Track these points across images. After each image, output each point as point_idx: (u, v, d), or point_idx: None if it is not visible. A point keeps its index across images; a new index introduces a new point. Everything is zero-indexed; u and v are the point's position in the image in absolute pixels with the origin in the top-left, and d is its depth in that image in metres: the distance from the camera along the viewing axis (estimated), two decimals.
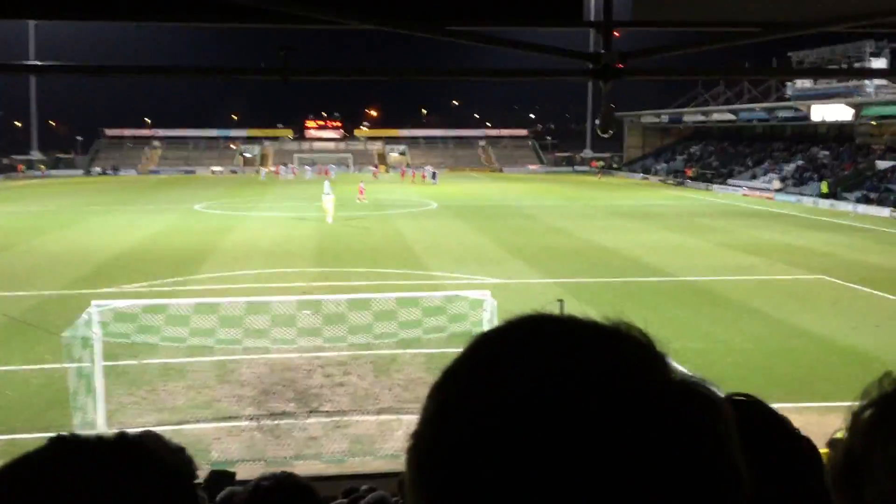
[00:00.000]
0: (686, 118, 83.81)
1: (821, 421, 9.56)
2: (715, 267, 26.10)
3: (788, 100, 69.13)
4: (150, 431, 1.69)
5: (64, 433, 1.21)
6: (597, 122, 5.55)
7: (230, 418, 12.56)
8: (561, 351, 0.70)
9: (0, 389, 10.61)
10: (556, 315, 0.75)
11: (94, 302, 12.34)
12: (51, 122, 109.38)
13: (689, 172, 73.38)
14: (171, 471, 1.11)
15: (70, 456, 1.07)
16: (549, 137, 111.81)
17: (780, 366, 15.45)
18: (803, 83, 67.78)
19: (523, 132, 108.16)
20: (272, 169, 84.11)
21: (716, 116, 78.32)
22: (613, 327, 0.74)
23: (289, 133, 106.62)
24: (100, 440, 1.11)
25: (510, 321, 0.75)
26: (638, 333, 0.74)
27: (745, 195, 59.31)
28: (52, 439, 1.10)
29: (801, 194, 55.31)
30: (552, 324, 0.74)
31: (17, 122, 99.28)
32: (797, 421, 1.64)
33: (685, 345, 16.53)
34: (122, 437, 1.13)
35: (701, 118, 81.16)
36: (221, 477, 4.94)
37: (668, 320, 18.61)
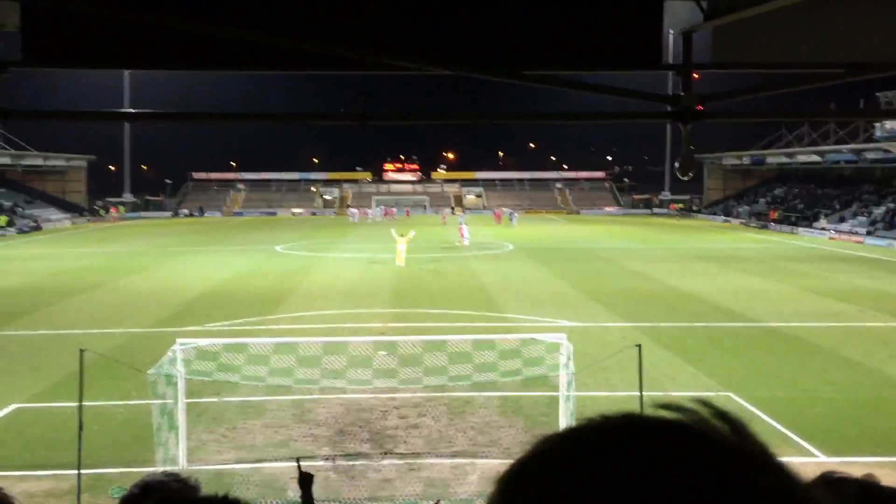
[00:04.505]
0: (769, 160, 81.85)
1: None
2: (801, 313, 25.23)
3: (877, 141, 66.87)
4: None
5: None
6: (676, 164, 5.48)
7: (306, 458, 12.66)
8: (660, 466, 0.61)
9: (87, 424, 10.94)
10: (649, 420, 0.65)
11: (178, 340, 12.68)
12: (142, 166, 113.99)
13: (773, 215, 71.45)
14: None
15: None
16: (626, 179, 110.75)
17: (871, 418, 14.74)
18: (893, 124, 65.51)
19: (600, 174, 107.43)
20: (360, 210, 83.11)
21: (800, 158, 76.18)
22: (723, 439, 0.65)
23: (367, 176, 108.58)
24: None
25: (594, 421, 0.66)
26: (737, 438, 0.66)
27: (832, 239, 57.40)
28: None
29: (893, 238, 53.21)
30: (646, 431, 0.64)
31: (111, 167, 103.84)
32: (890, 479, 1.56)
33: (770, 393, 16.00)
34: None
35: (785, 160, 79.08)
36: None
37: (752, 367, 18.04)
